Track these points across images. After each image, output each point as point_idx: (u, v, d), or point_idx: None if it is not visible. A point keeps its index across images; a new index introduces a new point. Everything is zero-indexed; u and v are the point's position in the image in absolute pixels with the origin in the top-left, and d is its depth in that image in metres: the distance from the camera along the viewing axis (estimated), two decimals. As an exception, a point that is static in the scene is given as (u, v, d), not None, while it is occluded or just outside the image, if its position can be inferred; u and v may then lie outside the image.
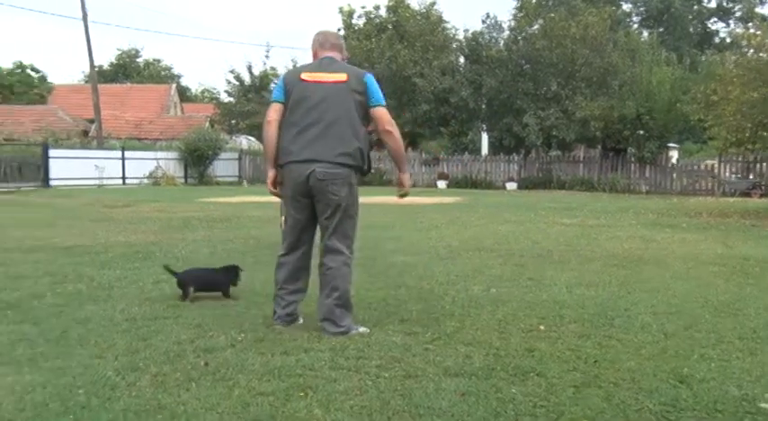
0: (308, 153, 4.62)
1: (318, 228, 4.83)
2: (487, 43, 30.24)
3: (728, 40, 52.16)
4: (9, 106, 39.40)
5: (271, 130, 4.76)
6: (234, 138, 36.79)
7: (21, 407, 3.27)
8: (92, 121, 35.41)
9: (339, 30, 33.00)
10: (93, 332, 4.62)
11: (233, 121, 34.51)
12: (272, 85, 31.48)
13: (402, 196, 5.12)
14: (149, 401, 3.35)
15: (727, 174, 26.53)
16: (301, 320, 4.83)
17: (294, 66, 32.93)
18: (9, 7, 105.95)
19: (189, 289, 5.66)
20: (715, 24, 56.42)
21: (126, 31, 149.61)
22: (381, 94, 4.82)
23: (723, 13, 55.17)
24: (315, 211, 4.74)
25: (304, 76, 4.75)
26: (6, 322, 4.87)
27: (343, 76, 4.72)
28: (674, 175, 27.81)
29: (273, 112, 4.77)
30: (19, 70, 44.12)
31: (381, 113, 4.78)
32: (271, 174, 4.89)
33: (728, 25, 56.12)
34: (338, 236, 4.72)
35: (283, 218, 5.02)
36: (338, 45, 4.98)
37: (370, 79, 4.79)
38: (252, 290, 5.91)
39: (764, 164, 25.73)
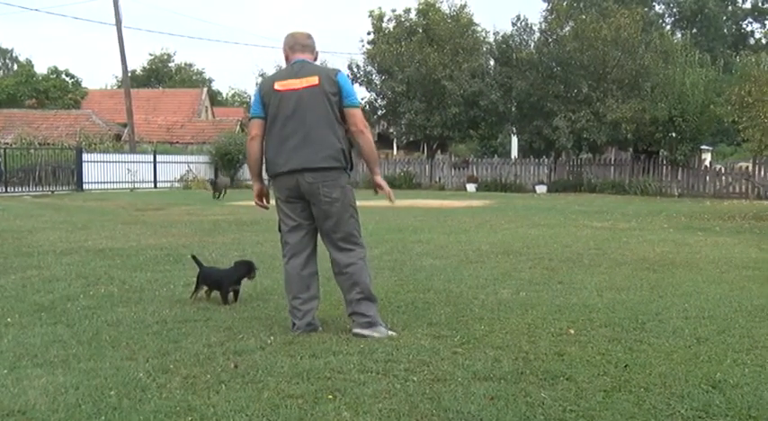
0: (294, 163, 4.66)
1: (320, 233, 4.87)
2: (518, 46, 30.08)
3: (764, 40, 51.59)
4: (44, 111, 40.10)
5: (254, 146, 4.83)
6: (264, 142, 36.98)
7: (54, 408, 3.31)
8: (124, 126, 35.91)
9: (369, 33, 33.10)
10: (124, 334, 4.67)
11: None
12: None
13: (390, 201, 5.03)
14: (179, 403, 3.38)
15: (763, 175, 26.14)
16: (320, 328, 4.80)
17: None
18: (45, 14, 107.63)
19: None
20: (750, 25, 55.74)
21: (158, 36, 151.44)
22: (355, 94, 4.86)
23: (758, 14, 54.44)
24: (312, 213, 4.77)
25: (277, 86, 4.74)
26: (40, 324, 4.94)
27: (314, 80, 4.70)
28: (707, 178, 27.47)
29: (255, 128, 4.81)
30: (54, 75, 44.90)
31: (355, 113, 4.76)
32: (256, 187, 5.00)
33: (764, 26, 55.43)
34: (343, 237, 4.75)
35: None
36: (308, 46, 4.92)
37: (343, 78, 4.78)
38: (282, 293, 5.93)
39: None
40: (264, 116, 4.77)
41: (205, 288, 5.87)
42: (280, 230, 4.90)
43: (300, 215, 4.78)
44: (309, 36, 4.97)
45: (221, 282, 5.75)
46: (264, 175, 5.00)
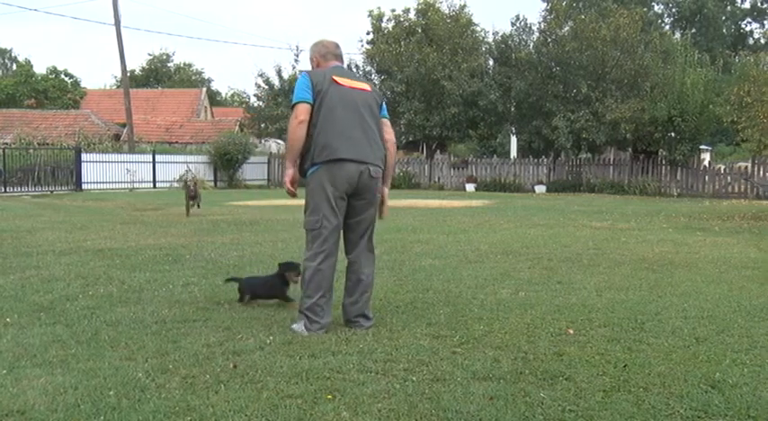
0: (358, 154, 4.74)
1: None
2: (517, 46, 30.10)
3: (763, 40, 51.61)
4: (43, 111, 40.09)
5: (302, 130, 4.73)
6: (263, 141, 36.96)
7: (53, 409, 3.31)
8: (123, 126, 35.87)
9: (368, 33, 33.14)
10: (123, 334, 4.67)
11: (262, 125, 34.62)
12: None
13: (381, 216, 5.15)
14: (178, 403, 3.38)
15: (761, 174, 26.14)
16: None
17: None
18: (44, 14, 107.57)
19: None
20: (749, 25, 55.77)
21: (157, 36, 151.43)
22: None
23: (757, 14, 54.48)
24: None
25: (337, 79, 4.83)
26: (39, 324, 4.94)
27: (367, 87, 5.01)
28: (706, 178, 27.46)
29: (304, 113, 4.74)
30: (53, 75, 44.88)
31: (389, 125, 5.10)
32: (291, 172, 4.87)
33: (763, 26, 55.46)
34: (372, 235, 5.00)
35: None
36: (340, 55, 5.14)
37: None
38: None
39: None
40: (313, 102, 4.77)
41: (248, 297, 5.68)
42: (317, 228, 4.73)
43: (342, 213, 4.82)
44: (338, 45, 5.18)
45: (274, 290, 5.65)
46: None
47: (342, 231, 4.90)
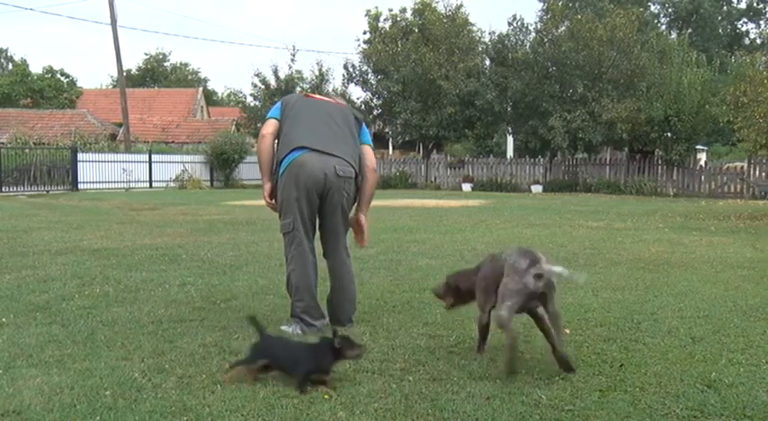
0: (323, 145, 4.63)
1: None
2: (513, 45, 30.14)
3: (759, 40, 51.69)
4: (39, 110, 40.02)
5: (266, 143, 4.77)
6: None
7: (49, 408, 3.31)
8: (120, 125, 35.85)
9: (365, 33, 33.20)
10: (119, 334, 4.66)
11: (259, 125, 34.59)
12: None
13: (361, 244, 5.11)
14: (175, 403, 3.38)
15: (757, 174, 26.19)
16: None
17: (320, 68, 33.18)
18: (40, 13, 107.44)
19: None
20: (745, 25, 55.87)
21: (154, 36, 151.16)
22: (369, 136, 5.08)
23: (753, 14, 54.57)
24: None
25: (310, 95, 4.95)
26: (35, 324, 4.93)
27: (342, 102, 5.05)
28: (702, 178, 27.49)
29: (269, 127, 4.78)
30: (49, 75, 44.86)
31: (370, 152, 4.95)
32: (268, 186, 4.85)
33: (759, 26, 55.57)
34: (345, 237, 4.89)
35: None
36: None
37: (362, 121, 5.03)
38: (277, 292, 5.93)
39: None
40: (281, 119, 4.78)
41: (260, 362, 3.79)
42: (290, 231, 4.72)
43: (314, 214, 4.76)
44: None
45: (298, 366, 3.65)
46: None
47: (319, 234, 4.87)
